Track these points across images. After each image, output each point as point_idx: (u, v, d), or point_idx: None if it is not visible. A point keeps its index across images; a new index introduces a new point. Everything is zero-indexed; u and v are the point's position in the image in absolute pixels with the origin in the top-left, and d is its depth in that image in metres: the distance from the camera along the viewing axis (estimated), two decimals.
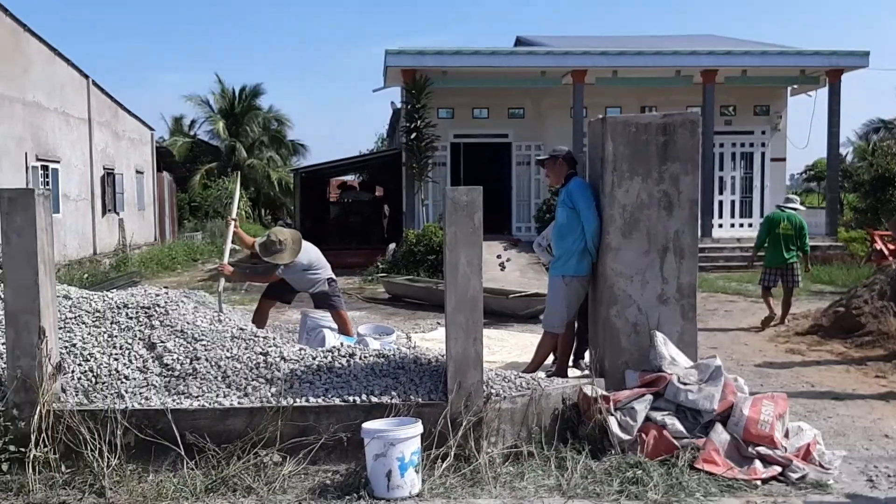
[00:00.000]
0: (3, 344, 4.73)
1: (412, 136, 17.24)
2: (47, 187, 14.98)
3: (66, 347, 4.81)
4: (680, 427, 4.54)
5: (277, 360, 4.80)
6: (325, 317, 6.90)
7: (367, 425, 4.20)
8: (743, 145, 19.77)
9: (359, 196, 26.83)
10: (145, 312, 5.21)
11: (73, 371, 4.65)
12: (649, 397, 4.70)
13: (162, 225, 24.21)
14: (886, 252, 15.02)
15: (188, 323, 5.14)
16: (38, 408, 4.27)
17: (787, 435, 4.59)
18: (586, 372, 5.86)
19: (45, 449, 4.24)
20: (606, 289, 5.33)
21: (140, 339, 4.97)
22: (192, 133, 36.28)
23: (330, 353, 4.96)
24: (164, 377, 4.67)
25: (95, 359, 4.76)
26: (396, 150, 20.63)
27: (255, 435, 4.34)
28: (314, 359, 4.87)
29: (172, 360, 4.78)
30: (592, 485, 4.16)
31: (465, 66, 17.43)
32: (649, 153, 5.23)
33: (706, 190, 16.87)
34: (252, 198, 32.70)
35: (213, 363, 4.75)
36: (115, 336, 4.99)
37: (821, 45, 35.85)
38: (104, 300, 5.43)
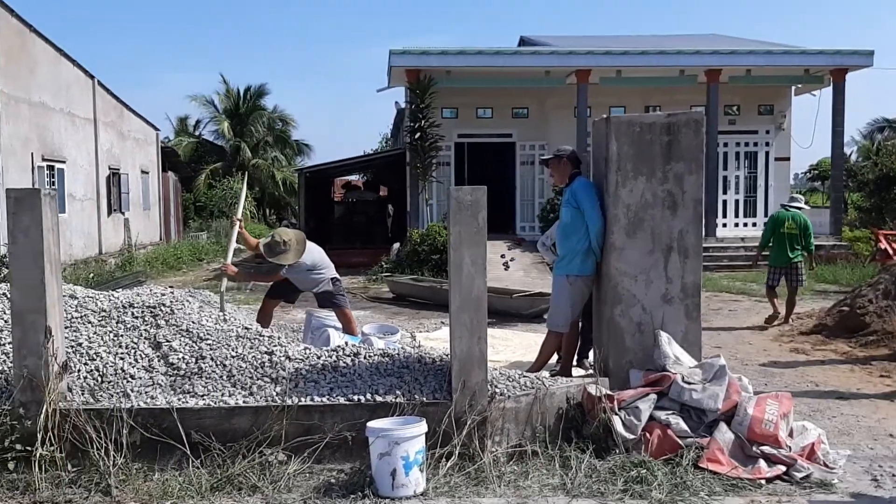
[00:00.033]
0: (9, 343, 4.76)
1: (416, 136, 17.25)
2: (53, 187, 15.10)
3: (72, 347, 4.84)
4: (684, 426, 4.54)
5: (282, 359, 4.81)
6: (329, 316, 6.91)
7: (371, 424, 4.22)
8: (747, 145, 19.73)
9: (363, 196, 26.85)
10: (151, 312, 5.23)
11: (79, 370, 4.67)
12: (653, 396, 4.70)
13: (167, 225, 24.22)
14: (891, 251, 14.96)
15: (193, 322, 5.16)
16: (45, 407, 4.29)
17: (791, 434, 4.58)
18: (590, 371, 5.87)
19: (52, 448, 4.26)
20: (610, 288, 5.33)
21: (146, 338, 5.00)
22: (196, 133, 36.29)
23: (335, 353, 4.97)
24: (170, 376, 4.69)
25: (101, 358, 4.78)
26: (401, 149, 20.63)
27: (261, 434, 4.35)
28: (319, 358, 4.88)
29: (178, 359, 4.80)
30: (596, 484, 4.17)
31: (469, 65, 17.42)
32: (653, 153, 5.23)
33: (710, 189, 16.80)
34: (257, 198, 32.74)
35: (218, 362, 4.77)
36: (121, 335, 5.02)
37: (823, 44, 35.80)
38: (110, 300, 5.45)
